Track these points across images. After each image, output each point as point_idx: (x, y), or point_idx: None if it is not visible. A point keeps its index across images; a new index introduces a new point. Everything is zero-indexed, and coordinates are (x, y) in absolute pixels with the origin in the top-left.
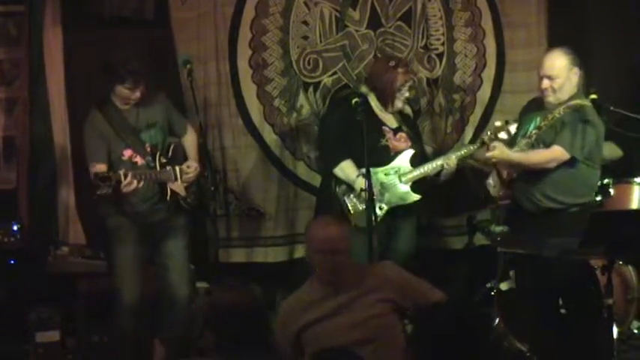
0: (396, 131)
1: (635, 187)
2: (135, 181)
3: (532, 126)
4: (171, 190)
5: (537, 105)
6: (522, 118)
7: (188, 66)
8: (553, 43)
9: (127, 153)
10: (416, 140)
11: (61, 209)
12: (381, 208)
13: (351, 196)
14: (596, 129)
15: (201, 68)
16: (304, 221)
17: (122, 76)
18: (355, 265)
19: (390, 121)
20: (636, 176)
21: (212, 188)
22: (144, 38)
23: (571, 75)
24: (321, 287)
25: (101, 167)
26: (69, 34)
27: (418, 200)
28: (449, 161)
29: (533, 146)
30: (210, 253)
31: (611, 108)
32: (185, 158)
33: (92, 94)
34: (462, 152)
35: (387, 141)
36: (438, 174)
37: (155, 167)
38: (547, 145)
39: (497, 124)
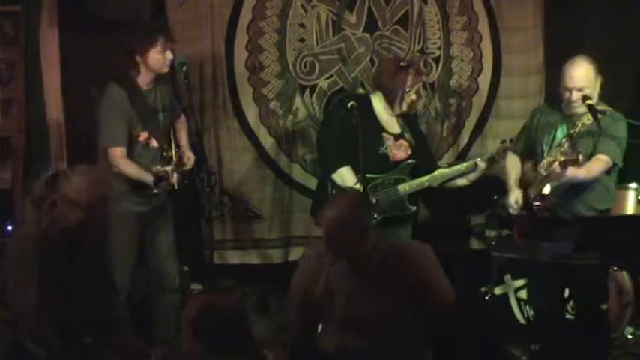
0: (397, 138)
1: (630, 193)
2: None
3: (559, 134)
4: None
5: (553, 111)
6: (539, 125)
7: (184, 68)
8: (549, 48)
9: (144, 135)
10: (419, 148)
11: None
12: (375, 218)
13: None
14: (625, 133)
15: (197, 70)
16: (299, 223)
17: (152, 37)
18: (375, 247)
19: (393, 126)
20: (631, 182)
21: (207, 190)
22: None
23: (597, 83)
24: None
25: (122, 152)
26: (66, 35)
27: (414, 211)
28: (480, 164)
29: (567, 154)
30: (205, 255)
31: (607, 114)
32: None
33: (89, 96)
34: (487, 157)
35: (386, 149)
36: (446, 182)
37: (170, 154)
38: (583, 154)
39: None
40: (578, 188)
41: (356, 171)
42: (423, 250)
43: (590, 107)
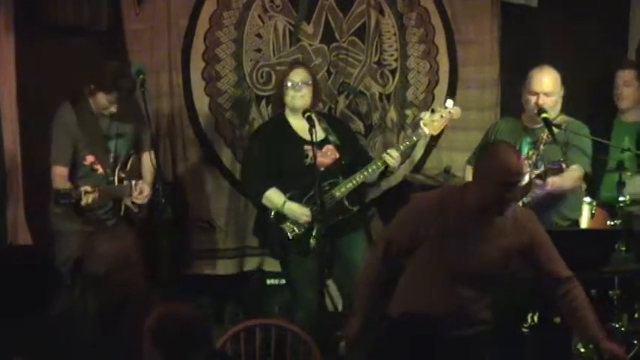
0: (321, 144)
1: (585, 207)
2: (94, 198)
3: (525, 147)
4: (125, 205)
5: (516, 124)
6: (501, 138)
7: (141, 76)
8: (505, 61)
9: (90, 159)
10: (347, 146)
11: (9, 215)
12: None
13: (288, 222)
14: (589, 142)
15: (154, 79)
16: None
17: (109, 87)
18: None
19: (316, 133)
20: (585, 196)
21: (162, 200)
22: (97, 48)
23: (561, 93)
24: (468, 207)
25: (63, 172)
26: (22, 42)
27: (358, 211)
28: (392, 154)
29: (536, 166)
30: (160, 266)
31: (562, 127)
32: (140, 173)
33: (44, 103)
34: (403, 145)
35: (310, 159)
36: (382, 176)
37: (113, 181)
38: (551, 161)
39: None
40: (547, 200)
41: (288, 188)
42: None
43: (546, 120)
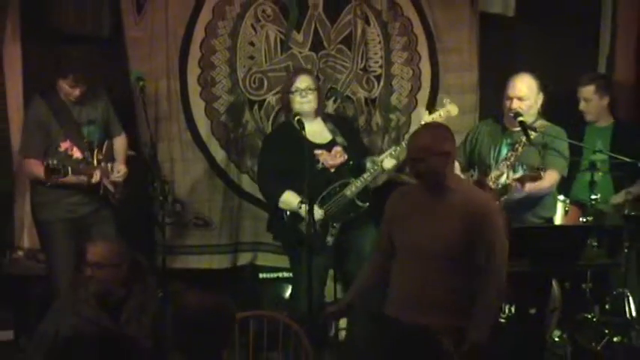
0: (330, 147)
1: (559, 205)
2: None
3: (504, 148)
4: (103, 185)
5: (497, 127)
6: (482, 139)
7: (140, 82)
8: (484, 67)
9: (65, 145)
10: (353, 148)
11: (17, 215)
12: (334, 227)
13: (303, 222)
14: (566, 146)
15: (152, 85)
16: (248, 230)
17: (64, 72)
18: (458, 181)
19: (322, 134)
20: (559, 194)
21: (161, 198)
22: (100, 55)
23: (538, 99)
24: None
25: (37, 162)
26: (28, 49)
27: (367, 208)
28: (382, 164)
29: (514, 167)
30: (158, 260)
31: (538, 130)
32: (113, 157)
33: None
34: (392, 153)
35: (322, 164)
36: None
37: (92, 163)
38: (530, 166)
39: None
40: (530, 200)
41: (301, 192)
42: (498, 214)
43: (522, 124)
